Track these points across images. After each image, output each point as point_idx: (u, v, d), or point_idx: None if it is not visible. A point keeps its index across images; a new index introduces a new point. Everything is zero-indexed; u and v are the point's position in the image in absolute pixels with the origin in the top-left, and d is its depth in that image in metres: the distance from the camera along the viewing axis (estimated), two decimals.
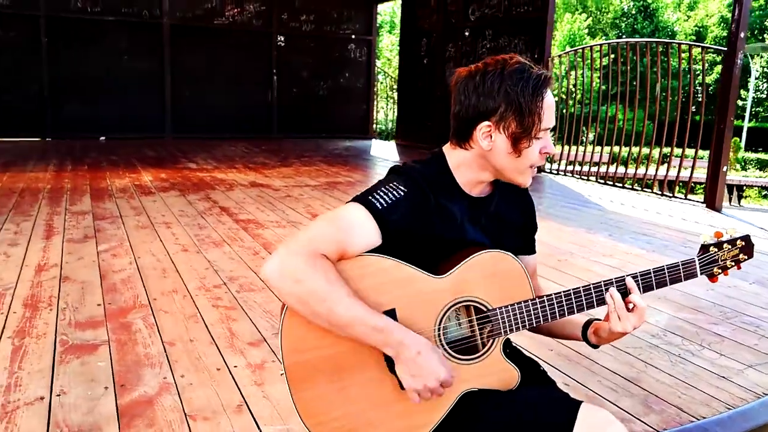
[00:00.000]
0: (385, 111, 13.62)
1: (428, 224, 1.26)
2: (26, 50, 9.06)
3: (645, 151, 7.05)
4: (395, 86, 11.88)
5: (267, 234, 3.89)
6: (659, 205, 5.52)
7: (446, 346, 1.25)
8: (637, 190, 6.21)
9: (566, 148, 7.14)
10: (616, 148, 6.93)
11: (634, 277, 1.32)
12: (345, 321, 1.14)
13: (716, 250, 1.40)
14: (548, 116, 1.26)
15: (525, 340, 2.28)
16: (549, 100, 1.26)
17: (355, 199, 1.24)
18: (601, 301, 1.31)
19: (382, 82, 13.50)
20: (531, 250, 1.48)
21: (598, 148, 6.94)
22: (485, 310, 1.27)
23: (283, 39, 10.80)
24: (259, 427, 1.73)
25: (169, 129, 10.11)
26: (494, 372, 1.29)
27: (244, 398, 1.88)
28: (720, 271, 1.42)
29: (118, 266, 3.10)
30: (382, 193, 1.24)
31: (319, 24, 11.04)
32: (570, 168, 7.24)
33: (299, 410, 1.20)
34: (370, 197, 1.23)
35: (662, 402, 1.98)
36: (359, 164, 8.11)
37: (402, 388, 1.20)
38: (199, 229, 3.94)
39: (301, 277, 1.13)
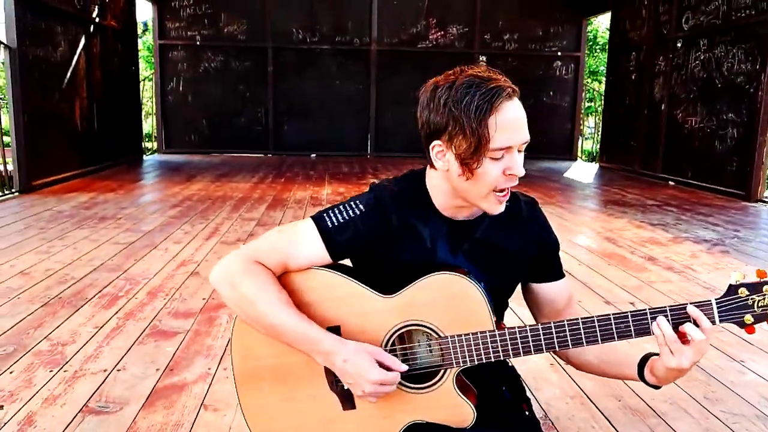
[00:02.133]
0: (592, 131, 12.83)
1: (386, 246, 1.20)
2: (256, 78, 10.43)
3: None
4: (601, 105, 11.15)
5: None
6: None
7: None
8: None
9: None
10: None
11: (662, 310, 1.10)
12: (276, 327, 1.13)
13: (748, 293, 1.09)
14: (503, 134, 1.09)
15: (589, 384, 1.99)
16: (504, 116, 1.09)
17: (313, 215, 1.23)
18: (578, 342, 1.12)
19: (589, 100, 12.76)
20: (550, 276, 1.31)
21: None
22: (436, 337, 1.15)
23: (485, 59, 10.83)
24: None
25: (371, 148, 10.78)
26: (444, 406, 1.17)
27: None
28: (753, 320, 1.10)
29: None
30: (337, 212, 1.20)
31: (522, 42, 10.86)
32: None
33: (246, 417, 1.21)
34: (324, 214, 1.21)
35: None
36: (540, 185, 7.75)
37: (344, 408, 1.17)
38: None
39: (236, 281, 1.15)
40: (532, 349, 1.14)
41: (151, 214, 4.94)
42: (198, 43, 10.26)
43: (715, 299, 1.10)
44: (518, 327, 1.14)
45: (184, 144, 10.50)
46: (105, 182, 6.63)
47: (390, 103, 10.61)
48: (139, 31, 10.75)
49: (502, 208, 1.17)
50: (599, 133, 10.83)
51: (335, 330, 1.16)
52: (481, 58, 10.73)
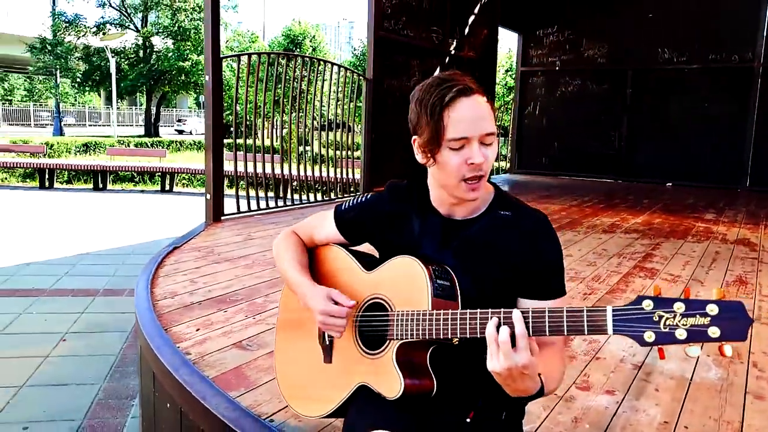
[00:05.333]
0: None
1: (378, 227, 1.43)
2: (612, 101, 10.09)
3: None
4: None
5: (640, 284, 3.51)
6: None
7: (358, 334, 1.36)
8: None
9: None
10: None
11: (525, 313, 1.11)
12: (284, 274, 1.49)
13: (652, 305, 0.99)
14: (456, 126, 1.21)
15: None
16: (457, 111, 1.21)
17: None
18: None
19: None
20: (536, 293, 1.29)
21: None
22: (389, 311, 1.32)
23: None
24: None
25: (746, 180, 9.25)
26: (382, 373, 1.29)
27: None
28: (655, 339, 0.98)
29: None
30: (352, 200, 1.51)
31: None
32: None
33: (275, 354, 1.59)
34: (343, 203, 1.52)
35: None
36: None
37: (324, 360, 1.43)
38: (589, 266, 3.90)
39: (276, 243, 1.57)
40: (458, 331, 1.18)
41: None
42: (557, 68, 10.49)
43: (614, 307, 1.01)
44: (453, 311, 1.19)
45: (534, 165, 10.86)
46: None
47: None
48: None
49: (475, 195, 1.27)
50: None
51: None
52: None
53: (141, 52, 29.47)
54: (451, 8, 8.35)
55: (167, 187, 13.54)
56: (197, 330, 2.49)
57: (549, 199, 7.45)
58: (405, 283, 1.28)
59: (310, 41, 31.10)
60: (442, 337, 1.20)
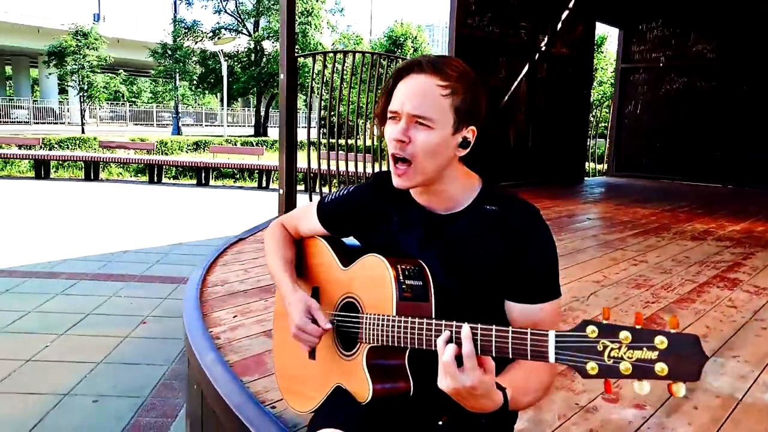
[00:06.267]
0: None
1: (357, 220, 1.38)
2: (723, 100, 9.31)
3: None
4: None
5: (715, 294, 3.20)
6: None
7: (336, 333, 1.32)
8: None
9: None
10: None
11: (474, 330, 1.01)
12: (270, 269, 1.48)
13: (597, 332, 0.88)
14: (396, 98, 1.18)
15: None
16: (405, 83, 1.17)
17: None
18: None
19: None
20: (520, 296, 1.20)
21: None
22: (360, 312, 1.28)
23: None
24: None
25: None
26: (353, 376, 1.25)
27: None
28: (599, 371, 0.87)
29: None
30: (336, 191, 1.48)
31: None
32: None
33: (273, 345, 1.61)
34: (327, 196, 1.49)
35: None
36: None
37: (309, 356, 1.39)
38: (663, 273, 3.63)
39: (265, 236, 1.55)
40: (416, 341, 1.11)
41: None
42: (661, 64, 9.85)
43: (557, 332, 0.91)
44: (421, 320, 1.12)
45: (633, 168, 10.25)
46: (525, 196, 7.21)
47: None
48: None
49: (399, 182, 1.20)
50: None
51: (316, 291, 1.40)
52: None
53: (252, 55, 30.92)
54: (542, 3, 8.07)
55: (264, 184, 14.10)
56: (234, 317, 2.57)
57: (641, 203, 7.01)
58: (373, 284, 1.23)
59: (412, 42, 31.16)
60: (403, 345, 1.14)
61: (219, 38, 30.26)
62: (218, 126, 40.99)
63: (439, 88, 1.14)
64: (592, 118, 10.66)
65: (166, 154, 19.17)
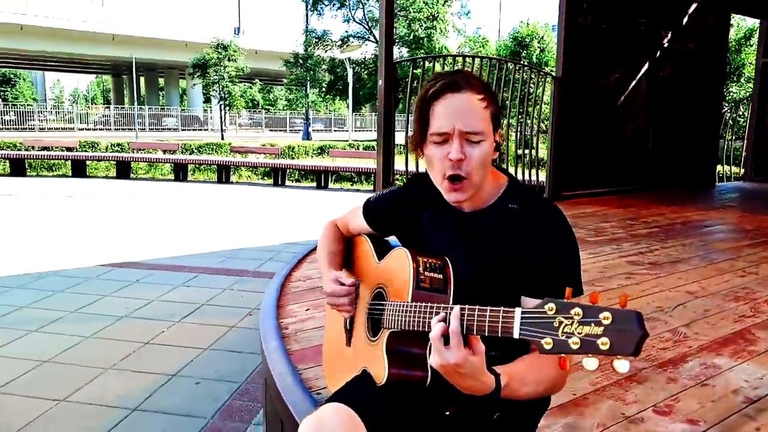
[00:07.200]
0: None
1: (395, 218, 1.48)
2: None
3: None
4: None
5: None
6: None
7: (369, 321, 1.41)
8: None
9: None
10: None
11: (462, 310, 1.07)
12: (319, 261, 1.62)
13: (555, 309, 0.94)
14: (438, 120, 1.22)
15: None
16: (442, 105, 1.21)
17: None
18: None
19: None
20: (536, 291, 1.22)
21: None
22: (385, 300, 1.38)
23: None
24: None
25: None
26: (375, 359, 1.32)
27: None
28: (552, 346, 0.92)
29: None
30: (382, 192, 1.61)
31: None
32: None
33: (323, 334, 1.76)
34: (373, 195, 1.62)
35: None
36: None
37: (346, 343, 1.53)
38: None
39: (321, 234, 1.70)
40: (421, 325, 1.17)
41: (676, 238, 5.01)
42: None
43: (523, 309, 0.98)
44: (420, 304, 1.19)
45: None
46: (640, 201, 6.82)
47: None
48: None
49: (455, 197, 1.25)
50: None
51: (359, 283, 1.52)
52: None
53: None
54: None
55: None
56: (307, 310, 2.73)
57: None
58: (396, 274, 1.32)
59: (539, 42, 30.37)
60: (412, 329, 1.20)
61: (347, 46, 31.38)
62: (346, 131, 42.47)
63: (480, 102, 1.20)
64: (728, 119, 9.83)
65: (293, 158, 20.19)
